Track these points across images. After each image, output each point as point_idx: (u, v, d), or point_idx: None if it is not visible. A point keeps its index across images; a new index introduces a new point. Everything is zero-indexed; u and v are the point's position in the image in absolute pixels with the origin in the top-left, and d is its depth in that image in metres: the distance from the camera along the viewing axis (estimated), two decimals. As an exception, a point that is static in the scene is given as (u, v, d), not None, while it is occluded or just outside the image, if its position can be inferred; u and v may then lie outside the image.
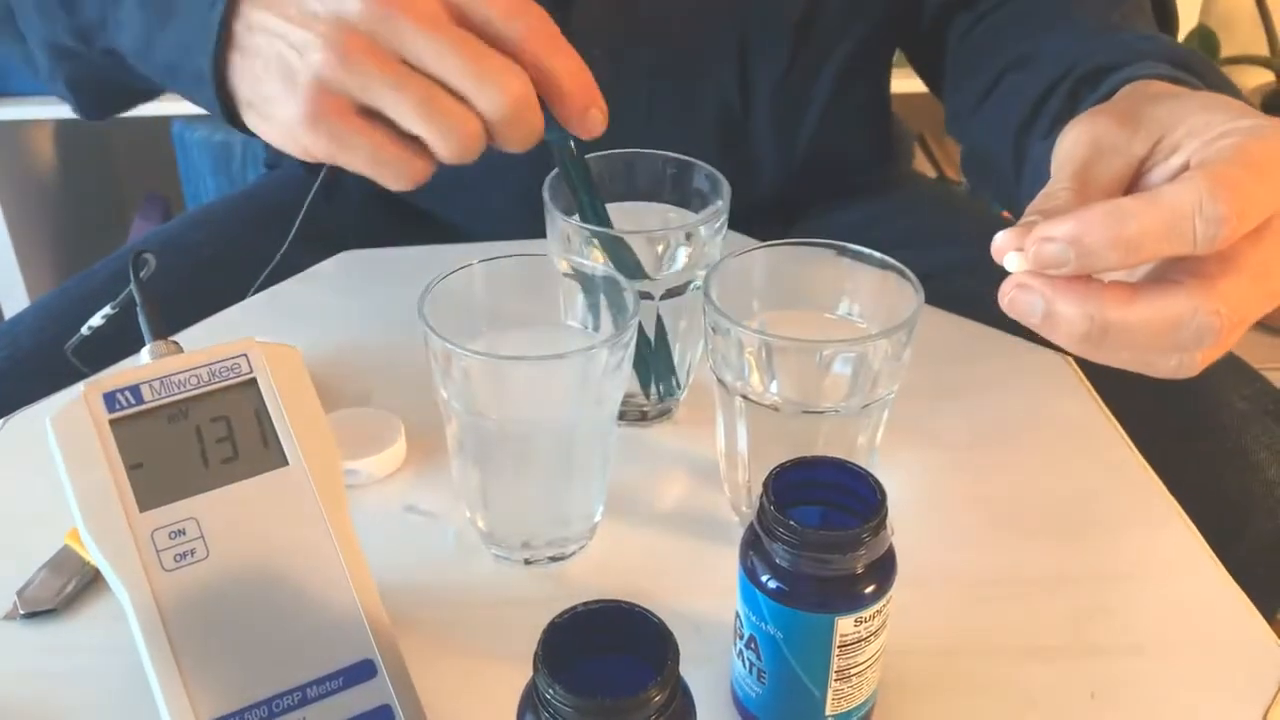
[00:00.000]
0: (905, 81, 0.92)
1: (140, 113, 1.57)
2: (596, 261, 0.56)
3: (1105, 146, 0.47)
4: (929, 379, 0.63)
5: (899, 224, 0.86)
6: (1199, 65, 0.62)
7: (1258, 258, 0.43)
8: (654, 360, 0.60)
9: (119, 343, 0.65)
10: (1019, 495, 0.59)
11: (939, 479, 0.60)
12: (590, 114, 0.52)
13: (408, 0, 0.48)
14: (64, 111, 1.57)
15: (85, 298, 0.78)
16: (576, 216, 0.58)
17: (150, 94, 0.71)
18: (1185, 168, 0.46)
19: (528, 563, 0.55)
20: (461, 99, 0.49)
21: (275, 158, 1.00)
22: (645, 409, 0.63)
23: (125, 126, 1.70)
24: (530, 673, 0.38)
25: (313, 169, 0.92)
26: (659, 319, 0.59)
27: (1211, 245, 0.42)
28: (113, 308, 0.73)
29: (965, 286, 0.70)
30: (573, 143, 0.56)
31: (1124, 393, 0.66)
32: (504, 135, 0.50)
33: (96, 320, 0.74)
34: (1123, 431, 0.63)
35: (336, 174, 0.92)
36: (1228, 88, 0.60)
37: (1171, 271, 0.44)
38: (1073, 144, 0.48)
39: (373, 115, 0.50)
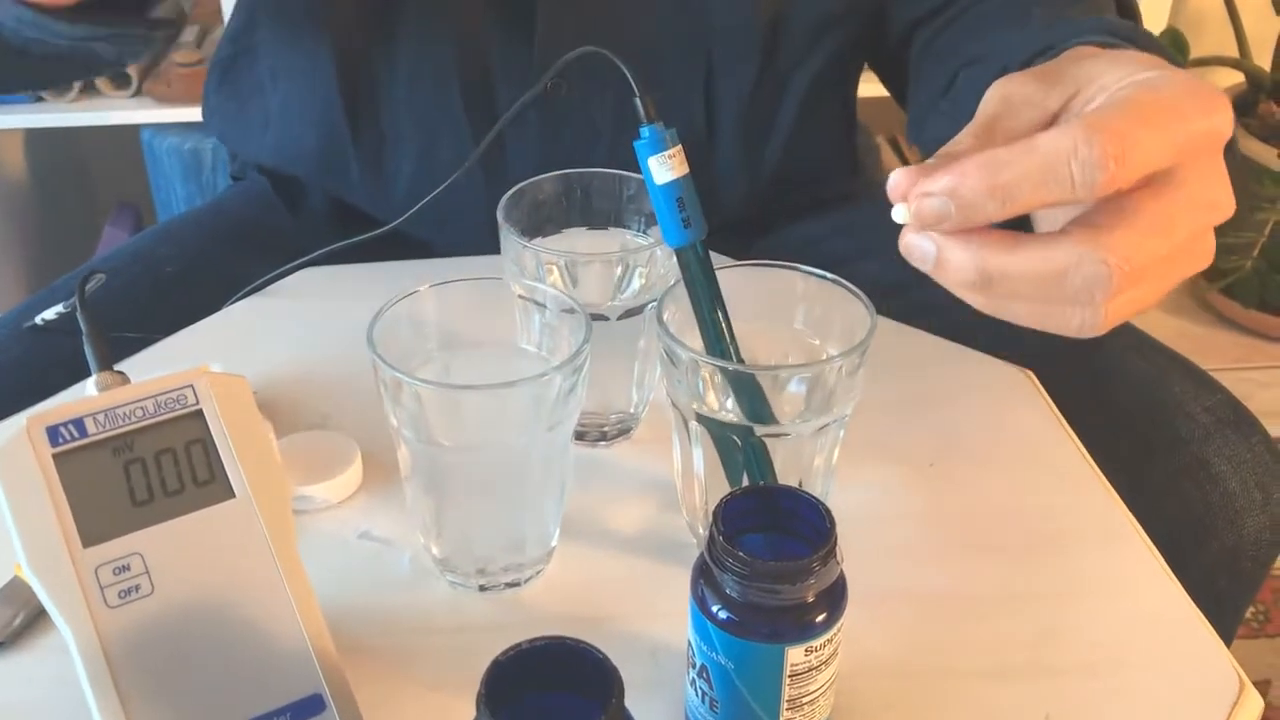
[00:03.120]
0: (875, 85, 0.92)
1: (110, 121, 1.57)
2: (555, 284, 0.56)
3: (1017, 100, 0.47)
4: (889, 393, 0.62)
5: (865, 234, 0.86)
6: (1140, 37, 0.62)
7: (1156, 208, 0.43)
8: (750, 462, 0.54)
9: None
10: (977, 512, 0.59)
11: (897, 495, 0.60)
12: None
13: None
14: (34, 120, 1.57)
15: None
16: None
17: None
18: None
19: (483, 589, 0.54)
20: None
21: (240, 169, 0.99)
22: (605, 428, 0.63)
23: (95, 135, 1.70)
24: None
25: (277, 181, 0.91)
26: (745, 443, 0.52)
27: (1091, 191, 0.41)
28: (65, 306, 0.72)
29: (931, 297, 0.70)
30: (700, 247, 0.52)
31: (1084, 405, 0.67)
32: None
33: (50, 314, 0.74)
34: (1081, 446, 0.63)
35: (302, 186, 0.92)
36: (1166, 57, 0.60)
37: (1069, 224, 0.44)
38: (986, 100, 0.48)
39: None
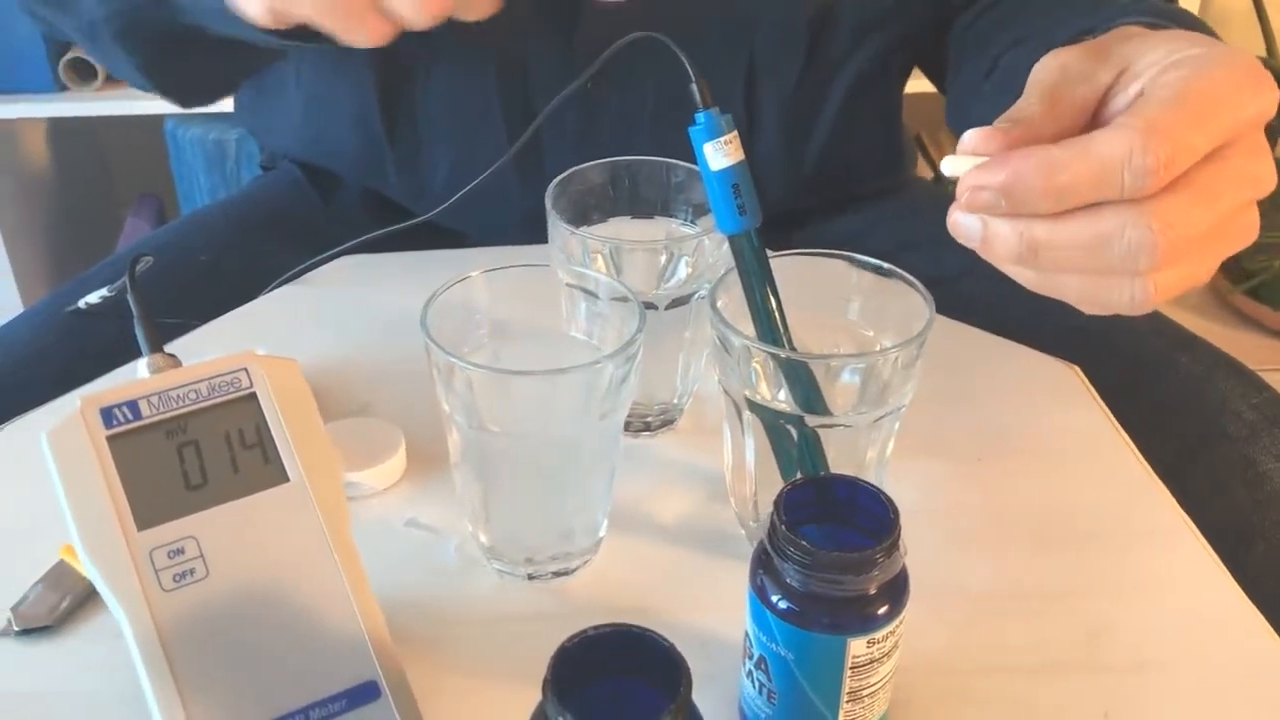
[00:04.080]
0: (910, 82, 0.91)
1: (134, 111, 1.57)
2: (600, 272, 0.56)
3: (1073, 73, 0.48)
4: (933, 386, 0.62)
5: (902, 228, 0.86)
6: (1183, 17, 0.63)
7: (1201, 179, 0.44)
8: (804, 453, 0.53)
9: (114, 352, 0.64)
10: (1027, 507, 0.58)
11: (945, 490, 0.59)
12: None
13: None
14: (57, 109, 1.57)
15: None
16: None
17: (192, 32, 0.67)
18: (1140, 95, 0.46)
19: (531, 578, 0.54)
20: None
21: (270, 159, 0.99)
22: (648, 419, 0.63)
23: (119, 125, 1.70)
24: (537, 695, 0.37)
25: (310, 172, 0.91)
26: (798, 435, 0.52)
27: (1139, 192, 0.43)
28: (110, 290, 0.72)
29: (970, 290, 0.70)
30: (754, 236, 0.51)
31: (1127, 402, 0.66)
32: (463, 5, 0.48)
33: (93, 298, 0.73)
34: (1130, 442, 0.62)
35: (336, 177, 0.92)
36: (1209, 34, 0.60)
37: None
38: (1042, 69, 0.49)
39: None
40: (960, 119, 0.82)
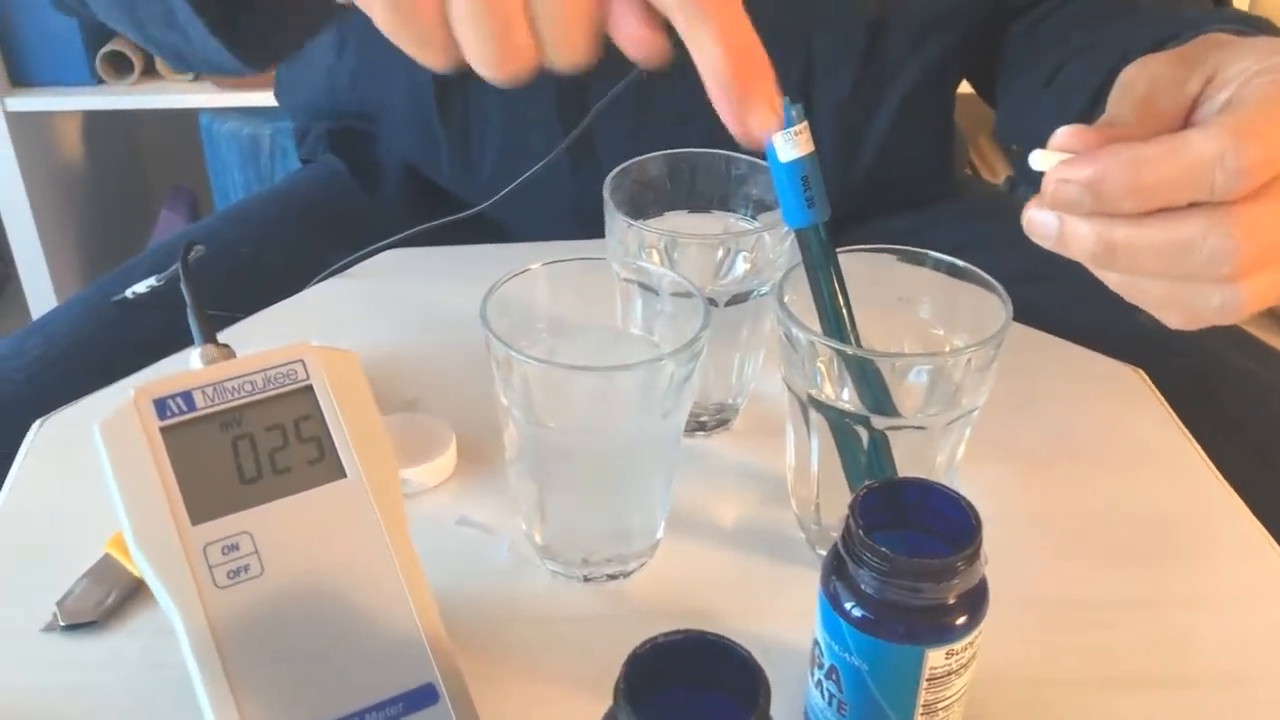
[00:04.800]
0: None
1: (169, 105, 1.57)
2: (658, 266, 0.54)
3: (1163, 82, 0.47)
4: (996, 389, 0.60)
5: (956, 232, 0.84)
6: (1271, 27, 0.61)
7: None
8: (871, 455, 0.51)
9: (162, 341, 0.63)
10: (1097, 515, 0.57)
11: (1013, 496, 0.57)
12: (759, 110, 0.42)
13: None
14: (93, 102, 1.57)
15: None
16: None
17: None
18: (1228, 103, 0.45)
19: (586, 579, 0.52)
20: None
21: (310, 151, 0.98)
22: (703, 419, 0.61)
23: (154, 119, 1.69)
24: (597, 700, 0.36)
25: (353, 165, 0.90)
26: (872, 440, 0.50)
27: (1229, 195, 0.41)
28: (158, 280, 0.71)
29: (1026, 294, 0.68)
30: (822, 229, 0.49)
31: (1199, 410, 0.64)
32: (556, 50, 0.41)
33: (140, 288, 0.72)
34: (1201, 450, 0.60)
35: (377, 169, 0.90)
36: None
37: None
38: (1130, 80, 0.47)
39: None
40: (1014, 126, 0.80)
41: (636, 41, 0.41)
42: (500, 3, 0.39)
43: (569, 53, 0.41)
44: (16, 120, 1.55)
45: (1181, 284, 0.44)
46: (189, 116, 1.65)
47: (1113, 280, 0.46)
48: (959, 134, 0.93)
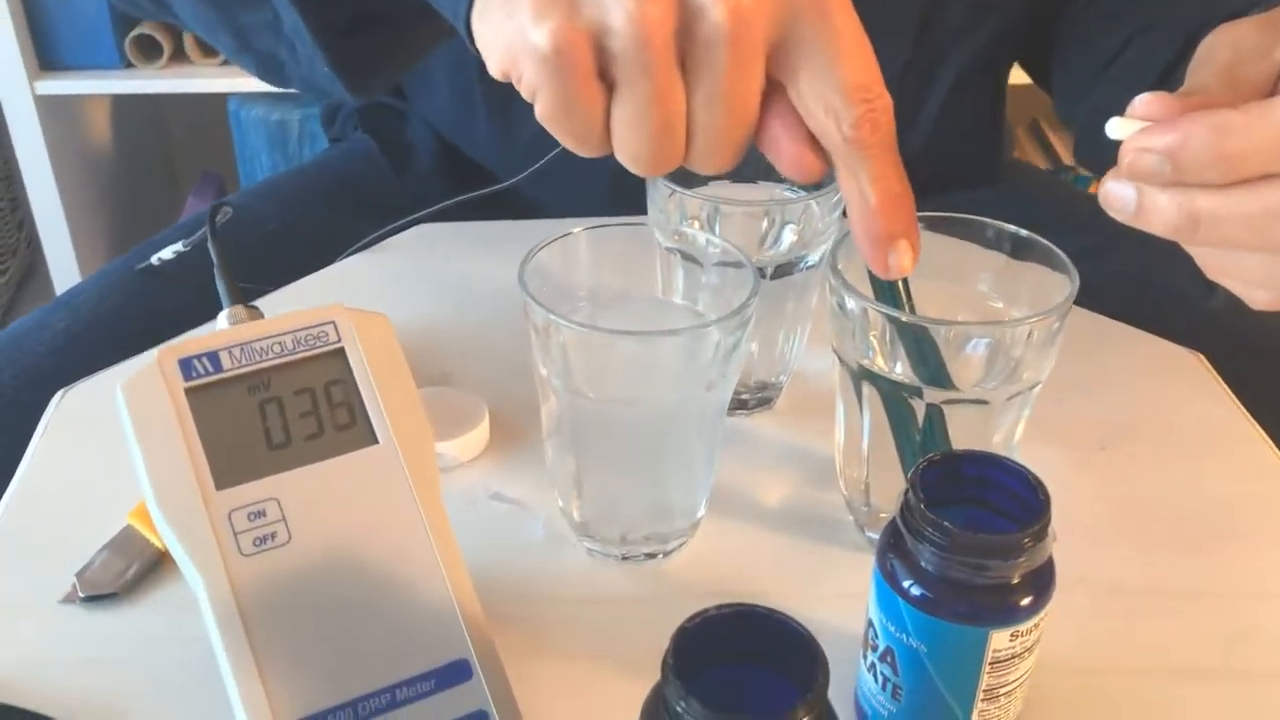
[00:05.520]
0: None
1: (198, 89, 1.55)
2: (704, 233, 0.52)
3: (1247, 50, 0.44)
4: (1054, 373, 0.58)
5: (1003, 213, 0.81)
6: None
7: None
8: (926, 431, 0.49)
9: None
10: (1156, 501, 0.54)
11: (1068, 480, 0.55)
12: (899, 247, 0.41)
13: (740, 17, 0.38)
14: (121, 86, 1.56)
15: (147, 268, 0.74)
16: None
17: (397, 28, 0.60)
18: None
19: (624, 558, 0.50)
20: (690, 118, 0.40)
21: (340, 131, 0.96)
22: (745, 398, 0.59)
23: (182, 103, 1.69)
24: (636, 680, 0.34)
25: (383, 142, 0.88)
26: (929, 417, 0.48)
27: None
28: (185, 245, 0.69)
29: (1081, 276, 0.66)
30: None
31: (1259, 394, 0.61)
32: (707, 156, 0.41)
33: (167, 254, 0.70)
34: (1265, 435, 0.58)
35: (408, 147, 0.89)
36: None
37: None
38: (1211, 47, 0.45)
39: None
40: (1074, 108, 0.77)
41: (792, 160, 0.41)
42: (667, 110, 0.39)
43: (717, 160, 0.41)
44: (45, 104, 1.55)
45: (1271, 256, 0.41)
46: (217, 101, 1.64)
47: (1204, 258, 0.43)
48: (1008, 120, 0.90)
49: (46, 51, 1.54)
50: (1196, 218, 0.40)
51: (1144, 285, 0.74)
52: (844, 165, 0.40)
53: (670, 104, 0.38)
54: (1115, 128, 0.41)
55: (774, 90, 0.40)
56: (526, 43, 0.38)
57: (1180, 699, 0.45)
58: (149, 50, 1.54)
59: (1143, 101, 0.41)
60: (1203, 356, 0.63)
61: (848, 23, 0.39)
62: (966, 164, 0.84)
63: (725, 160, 0.41)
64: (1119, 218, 0.43)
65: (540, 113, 0.40)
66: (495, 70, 0.41)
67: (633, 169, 0.41)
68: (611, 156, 0.48)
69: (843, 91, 0.39)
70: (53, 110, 1.57)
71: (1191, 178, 0.39)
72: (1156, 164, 0.40)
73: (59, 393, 0.59)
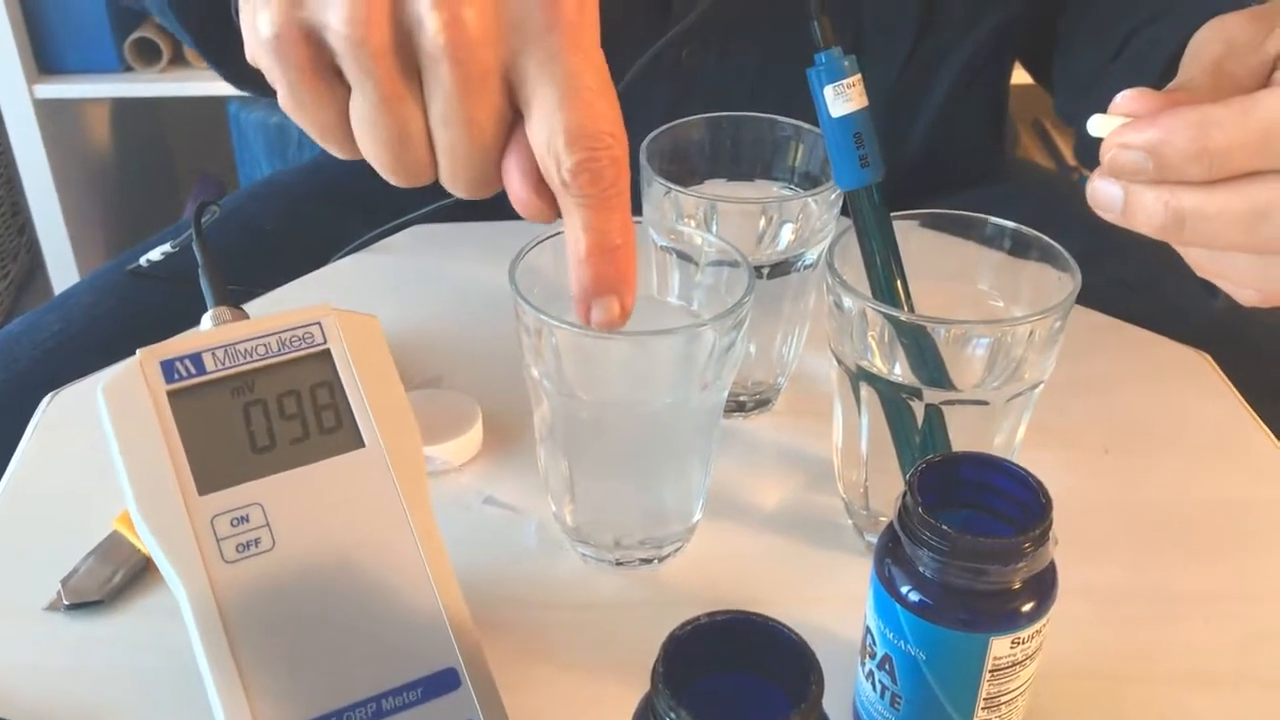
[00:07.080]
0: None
1: (197, 92, 1.55)
2: (698, 232, 0.51)
3: (1239, 43, 0.43)
4: (1056, 375, 0.57)
5: (1007, 212, 0.80)
6: None
7: None
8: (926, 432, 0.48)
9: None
10: (1162, 504, 0.53)
11: (1072, 483, 0.54)
12: (606, 303, 0.40)
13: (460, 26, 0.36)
14: (121, 90, 1.55)
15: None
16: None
17: None
18: None
19: (618, 563, 0.49)
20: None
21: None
22: (742, 399, 0.58)
23: (181, 107, 1.68)
24: (628, 688, 0.33)
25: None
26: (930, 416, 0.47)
27: None
28: (173, 246, 0.68)
29: (1083, 277, 0.65)
30: (876, 191, 0.47)
31: (1266, 396, 0.60)
32: (452, 177, 0.39)
33: (155, 255, 0.69)
34: (1273, 437, 0.57)
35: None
36: None
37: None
38: (1202, 41, 0.44)
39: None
40: (1077, 105, 0.76)
41: (518, 201, 0.39)
42: (401, 118, 0.37)
43: (465, 185, 0.39)
44: (44, 108, 1.54)
45: (1259, 257, 0.40)
46: (217, 104, 1.64)
47: (1195, 258, 0.42)
48: (1010, 117, 0.89)
49: (45, 55, 1.53)
50: (1182, 216, 0.39)
51: (1150, 286, 0.73)
52: (563, 209, 0.38)
53: (402, 112, 0.37)
54: (1096, 124, 0.40)
55: (520, 123, 0.38)
56: (255, 32, 0.37)
57: (1190, 708, 0.44)
58: (148, 53, 1.54)
59: (1125, 97, 0.40)
60: (1209, 356, 0.62)
61: (583, 64, 0.37)
62: (969, 161, 0.83)
63: (474, 185, 0.39)
64: (1107, 217, 0.42)
65: (279, 102, 0.39)
66: (248, 58, 0.40)
67: (385, 178, 0.39)
68: None
69: (565, 135, 0.36)
70: (52, 114, 1.56)
71: (1174, 174, 0.39)
72: (1138, 160, 0.39)
73: (47, 396, 0.59)
